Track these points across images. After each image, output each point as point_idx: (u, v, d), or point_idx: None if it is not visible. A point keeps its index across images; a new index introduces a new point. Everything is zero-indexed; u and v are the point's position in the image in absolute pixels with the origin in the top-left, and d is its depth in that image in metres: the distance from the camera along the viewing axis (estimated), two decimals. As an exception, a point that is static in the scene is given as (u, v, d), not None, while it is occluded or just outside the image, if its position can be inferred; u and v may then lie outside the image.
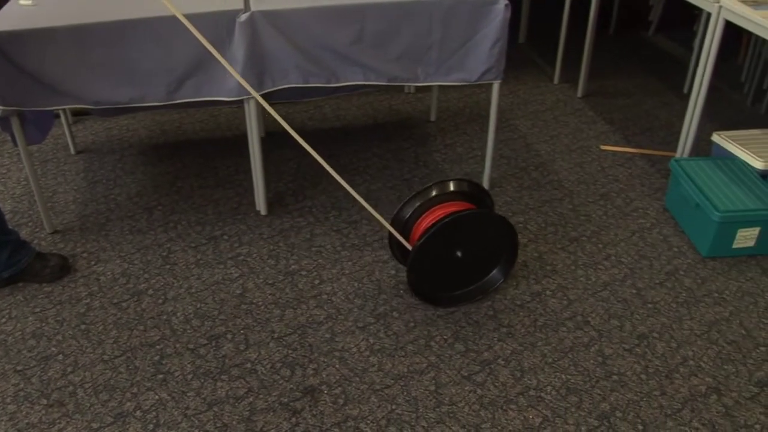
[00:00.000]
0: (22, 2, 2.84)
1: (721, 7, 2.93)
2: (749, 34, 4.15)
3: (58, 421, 2.22)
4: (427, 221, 2.57)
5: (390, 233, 2.63)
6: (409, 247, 2.55)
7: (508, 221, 2.54)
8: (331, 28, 2.72)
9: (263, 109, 3.82)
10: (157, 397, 2.29)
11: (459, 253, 2.56)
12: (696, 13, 5.03)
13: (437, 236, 2.47)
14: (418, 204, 2.60)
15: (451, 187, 2.63)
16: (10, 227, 2.78)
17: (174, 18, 2.64)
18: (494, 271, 2.67)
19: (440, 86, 3.72)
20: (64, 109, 3.67)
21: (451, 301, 2.65)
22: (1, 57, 2.61)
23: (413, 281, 2.56)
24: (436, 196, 2.60)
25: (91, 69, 2.70)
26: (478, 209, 2.61)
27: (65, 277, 2.82)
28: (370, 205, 3.17)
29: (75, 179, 3.53)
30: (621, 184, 3.36)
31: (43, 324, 2.61)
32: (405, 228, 2.63)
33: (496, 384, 2.31)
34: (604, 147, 3.70)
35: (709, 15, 3.02)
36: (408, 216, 2.61)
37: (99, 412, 2.24)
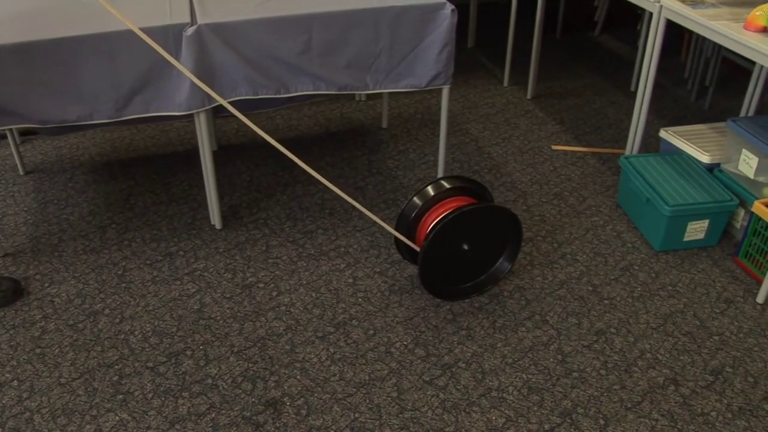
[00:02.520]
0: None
1: (662, 6, 2.99)
2: (690, 32, 4.23)
3: (15, 448, 2.19)
4: (432, 218, 2.61)
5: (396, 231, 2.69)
6: (417, 248, 2.60)
7: (511, 212, 2.59)
8: (278, 38, 2.72)
9: (214, 122, 3.80)
10: (117, 418, 2.26)
11: (466, 247, 2.60)
12: (639, 12, 5.13)
13: (445, 232, 2.52)
14: (421, 203, 2.65)
15: (452, 184, 2.68)
16: None
17: (120, 34, 2.62)
18: (500, 261, 2.72)
19: (391, 93, 3.75)
20: (10, 129, 3.61)
21: (463, 294, 2.69)
22: (-58, 79, 2.56)
23: (425, 277, 2.60)
24: (438, 193, 2.65)
25: (37, 87, 2.66)
26: (482, 203, 2.65)
27: (18, 301, 2.77)
28: (325, 213, 3.18)
29: (25, 200, 3.47)
30: (573, 183, 3.41)
31: (-3, 349, 2.57)
32: (410, 227, 2.67)
33: (458, 387, 2.32)
34: (555, 147, 3.75)
35: (651, 15, 3.08)
36: (413, 215, 2.66)
37: (58, 437, 2.22)
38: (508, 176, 3.48)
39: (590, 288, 2.74)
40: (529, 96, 4.35)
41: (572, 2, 5.30)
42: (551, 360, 2.42)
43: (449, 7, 2.79)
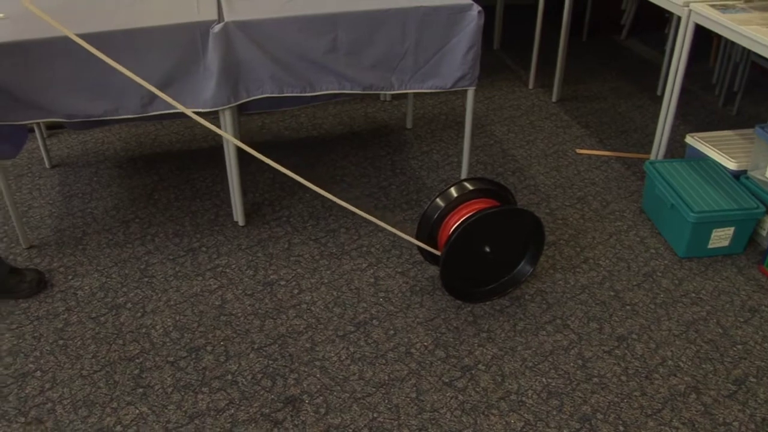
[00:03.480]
0: (-7, 16, 2.82)
1: (691, 11, 2.96)
2: (719, 37, 4.19)
3: (37, 438, 2.21)
4: (454, 220, 2.61)
5: (417, 233, 2.71)
6: (435, 252, 2.62)
7: (534, 215, 2.58)
8: (305, 37, 2.72)
9: (239, 120, 3.81)
10: (137, 411, 2.28)
11: (488, 249, 2.60)
12: (667, 16, 5.09)
13: (467, 234, 2.52)
14: (444, 204, 2.65)
15: (475, 186, 2.68)
16: None
17: (147, 31, 2.63)
18: (522, 263, 2.72)
19: (416, 93, 3.74)
20: (38, 123, 3.64)
21: (484, 296, 2.69)
22: (-27, 72, 2.59)
23: (446, 279, 2.60)
24: (461, 195, 2.65)
25: (65, 82, 2.68)
26: (504, 205, 2.66)
27: (42, 293, 2.80)
28: (348, 213, 3.18)
29: (50, 193, 3.51)
30: (597, 187, 3.39)
31: (20, 340, 2.59)
32: (432, 228, 2.67)
33: (477, 389, 2.31)
34: (579, 151, 3.73)
35: (679, 19, 3.05)
36: (435, 216, 2.65)
37: (78, 429, 2.23)
38: (532, 179, 3.47)
39: (612, 293, 2.72)
40: (554, 99, 4.33)
41: (599, 5, 5.27)
42: (571, 364, 2.40)
43: (476, 8, 2.78)
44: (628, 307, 2.65)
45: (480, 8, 2.78)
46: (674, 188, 2.93)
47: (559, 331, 2.55)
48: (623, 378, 2.34)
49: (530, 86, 4.52)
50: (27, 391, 2.37)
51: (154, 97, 2.76)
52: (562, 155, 3.69)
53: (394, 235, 3.06)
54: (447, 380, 2.35)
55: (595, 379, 2.34)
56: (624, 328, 2.55)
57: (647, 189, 3.14)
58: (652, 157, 3.39)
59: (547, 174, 3.52)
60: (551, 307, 2.66)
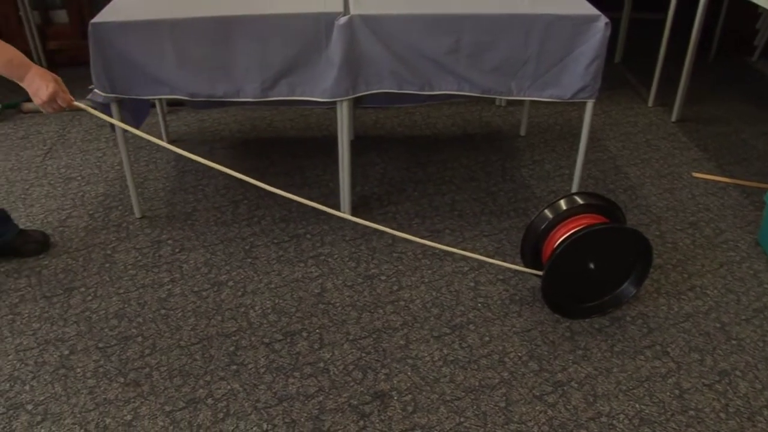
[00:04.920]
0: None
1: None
2: None
3: (132, 400, 2.28)
4: (561, 233, 2.58)
5: (522, 242, 2.69)
6: (539, 274, 2.60)
7: (643, 235, 2.52)
8: (428, 36, 2.72)
9: (355, 112, 3.85)
10: (229, 387, 2.33)
11: (592, 265, 2.56)
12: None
13: (573, 248, 2.48)
14: (552, 216, 2.62)
15: (585, 201, 2.65)
16: None
17: (274, 17, 2.69)
18: (626, 284, 2.66)
19: (532, 101, 3.69)
20: (160, 99, 3.76)
21: (583, 313, 2.64)
22: (110, 46, 2.70)
23: (548, 291, 2.58)
24: (570, 208, 2.62)
25: (191, 62, 2.76)
26: (614, 223, 2.61)
27: (47, 253, 2.90)
28: (454, 215, 3.17)
29: (165, 168, 3.62)
30: (712, 214, 3.27)
31: (126, 305, 2.68)
32: (538, 239, 2.65)
33: (568, 407, 2.27)
34: (696, 174, 3.61)
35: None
36: (542, 227, 2.63)
37: (172, 396, 2.29)
38: (644, 199, 3.38)
39: (718, 325, 2.62)
40: (673, 118, 4.20)
41: (731, 23, 5.08)
42: (668, 394, 2.33)
43: (603, 19, 2.72)
44: (734, 342, 2.55)
45: (607, 20, 2.72)
46: (795, 223, 2.81)
47: (658, 358, 2.47)
48: (722, 415, 2.25)
49: (650, 103, 4.41)
50: (128, 354, 2.46)
51: (275, 82, 2.82)
52: (677, 177, 3.59)
53: (499, 242, 3.03)
54: (538, 393, 2.31)
55: (692, 412, 2.26)
56: (728, 363, 2.46)
57: (765, 220, 3.01)
58: (774, 188, 3.26)
59: (659, 195, 3.42)
60: (652, 332, 2.58)
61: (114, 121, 2.72)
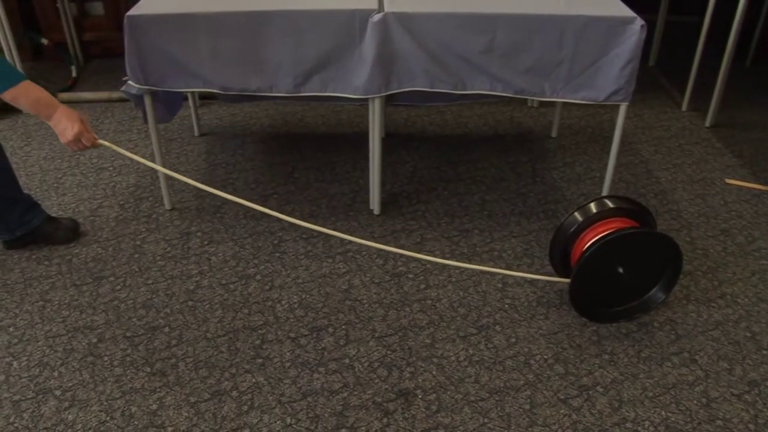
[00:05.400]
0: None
1: None
2: None
3: (158, 389, 2.30)
4: (591, 236, 2.57)
5: (551, 244, 2.68)
6: (567, 281, 2.57)
7: (674, 241, 2.50)
8: (462, 35, 2.71)
9: (386, 109, 3.85)
10: (254, 380, 2.34)
11: (621, 270, 2.54)
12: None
13: (602, 252, 2.46)
14: (582, 219, 2.61)
15: (615, 204, 2.63)
16: (23, 190, 2.95)
17: (308, 13, 2.69)
18: (655, 289, 2.64)
19: (564, 103, 3.67)
20: (193, 92, 3.79)
21: (611, 317, 2.63)
22: (145, 39, 2.72)
23: (575, 294, 2.56)
24: (600, 212, 2.61)
25: (225, 56, 2.78)
26: (644, 227, 2.60)
27: (76, 239, 2.93)
28: (483, 215, 3.16)
29: (196, 160, 3.64)
30: (744, 221, 3.23)
31: (154, 296, 2.70)
32: (567, 242, 2.64)
33: (593, 411, 2.25)
34: (729, 181, 3.57)
35: None
36: (571, 230, 2.62)
37: (197, 387, 2.31)
38: (675, 204, 3.35)
39: (748, 334, 2.59)
40: (707, 124, 4.16)
41: (769, 30, 5.01)
42: (695, 402, 2.30)
43: (639, 22, 2.69)
44: (764, 352, 2.51)
45: (643, 22, 2.70)
46: (830, 232, 2.77)
47: (686, 365, 2.45)
48: (751, 426, 2.22)
49: (683, 108, 4.36)
50: (155, 344, 2.48)
51: (308, 78, 2.82)
52: (709, 183, 3.55)
53: (528, 243, 3.02)
54: (563, 397, 2.30)
55: (719, 422, 2.23)
56: (758, 374, 2.42)
57: (799, 229, 2.98)
58: (809, 196, 3.21)
59: (691, 201, 3.39)
60: (680, 339, 2.56)
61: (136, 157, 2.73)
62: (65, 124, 2.37)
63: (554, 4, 2.79)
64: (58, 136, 2.40)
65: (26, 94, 2.34)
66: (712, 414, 2.26)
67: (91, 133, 2.43)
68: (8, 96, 2.32)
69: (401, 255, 2.91)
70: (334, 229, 3.04)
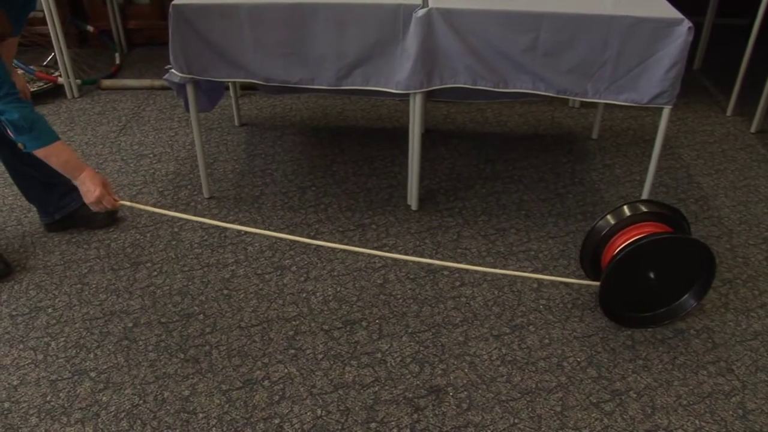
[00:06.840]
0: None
1: None
2: None
3: (191, 376, 2.32)
4: (622, 239, 2.55)
5: (582, 247, 2.67)
6: (597, 283, 2.54)
7: (707, 247, 2.47)
8: (506, 32, 2.69)
9: (426, 105, 3.84)
10: (286, 370, 2.35)
11: (652, 275, 2.51)
12: None
13: (632, 256, 2.44)
14: (614, 221, 2.59)
15: (649, 209, 2.61)
16: None
17: (352, 7, 2.69)
18: (686, 296, 2.60)
19: (606, 104, 3.63)
20: (234, 82, 3.81)
21: (639, 322, 2.60)
22: (189, 28, 2.75)
23: (604, 298, 2.54)
24: (632, 215, 2.58)
25: (268, 47, 2.79)
26: (677, 233, 2.57)
27: (114, 225, 2.95)
28: (521, 214, 3.14)
29: (236, 150, 3.67)
30: (788, 230, 3.18)
31: (190, 283, 2.73)
32: (599, 244, 2.62)
33: (625, 417, 2.23)
34: (773, 188, 3.51)
35: None
36: (603, 232, 2.60)
37: (230, 375, 2.33)
38: (716, 210, 3.30)
39: (788, 345, 2.55)
40: (753, 129, 4.09)
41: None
42: (730, 413, 2.27)
43: (686, 24, 2.65)
44: (803, 363, 2.48)
45: (690, 24, 2.65)
46: None
47: (722, 375, 2.41)
48: (788, 437, 2.19)
49: (728, 113, 4.29)
50: (189, 331, 2.51)
51: (350, 71, 2.83)
52: (753, 190, 3.49)
53: (565, 244, 3.00)
54: (595, 401, 2.28)
55: (755, 433, 2.20)
56: (797, 386, 2.39)
57: (843, 240, 2.92)
58: None
59: (733, 207, 3.33)
60: (717, 348, 2.52)
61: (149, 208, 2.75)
62: (89, 187, 2.49)
63: (599, 4, 2.76)
64: (82, 195, 2.52)
65: (57, 154, 2.46)
66: (748, 426, 2.22)
67: (112, 195, 2.55)
68: (41, 153, 2.43)
69: (437, 251, 2.91)
70: (369, 223, 3.05)
